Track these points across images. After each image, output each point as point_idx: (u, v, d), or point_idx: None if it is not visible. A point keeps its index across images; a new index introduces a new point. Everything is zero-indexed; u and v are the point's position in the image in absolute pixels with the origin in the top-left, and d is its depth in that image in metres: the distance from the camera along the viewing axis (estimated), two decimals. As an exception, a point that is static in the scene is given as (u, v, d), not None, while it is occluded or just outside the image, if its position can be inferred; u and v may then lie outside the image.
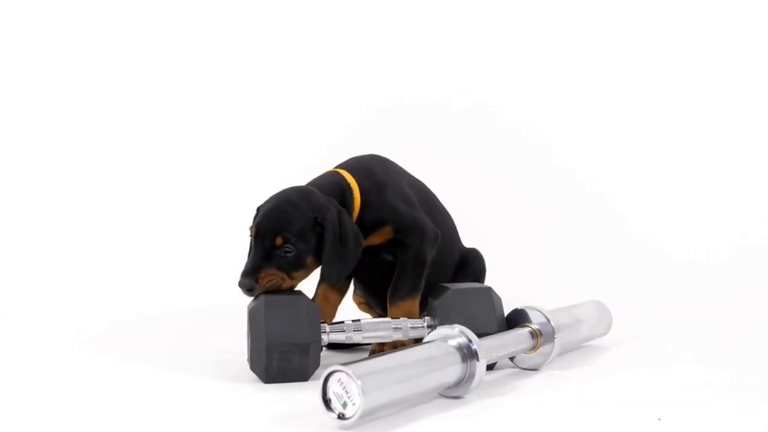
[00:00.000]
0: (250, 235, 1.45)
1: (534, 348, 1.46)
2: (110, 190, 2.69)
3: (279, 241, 1.40)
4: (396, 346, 1.48)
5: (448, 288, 1.48)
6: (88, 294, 2.33)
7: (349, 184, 1.53)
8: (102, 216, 2.64)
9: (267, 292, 1.40)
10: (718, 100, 2.75)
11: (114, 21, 2.77)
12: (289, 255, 1.40)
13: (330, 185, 1.51)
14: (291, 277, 1.42)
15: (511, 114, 2.80)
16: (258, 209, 1.48)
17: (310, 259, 1.43)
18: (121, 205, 2.67)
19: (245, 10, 2.82)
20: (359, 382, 1.08)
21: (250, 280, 1.39)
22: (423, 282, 1.54)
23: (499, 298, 1.50)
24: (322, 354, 1.41)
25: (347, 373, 1.09)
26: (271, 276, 1.40)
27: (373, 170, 1.57)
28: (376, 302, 1.67)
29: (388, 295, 1.53)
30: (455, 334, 1.28)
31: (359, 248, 1.47)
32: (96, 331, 1.89)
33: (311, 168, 1.63)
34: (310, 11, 2.83)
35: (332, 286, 1.57)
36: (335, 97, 2.81)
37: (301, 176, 1.59)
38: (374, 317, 1.69)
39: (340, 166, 1.61)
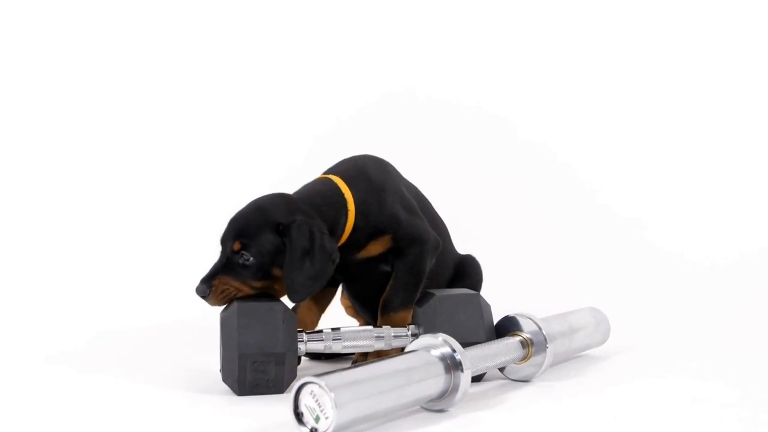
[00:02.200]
0: None
1: (525, 358, 1.39)
2: (91, 199, 2.63)
3: (236, 246, 1.33)
4: (380, 355, 1.41)
5: (433, 294, 1.41)
6: (68, 304, 2.26)
7: (342, 194, 1.41)
8: (81, 225, 2.58)
9: (239, 298, 1.34)
10: (724, 103, 2.70)
11: (98, 21, 2.73)
12: (248, 263, 1.33)
13: (321, 194, 1.40)
14: (252, 287, 1.35)
15: (506, 115, 2.75)
16: None
17: (277, 270, 1.35)
18: (102, 213, 2.61)
19: (232, 9, 2.78)
20: (332, 394, 1.02)
21: (204, 287, 1.34)
22: (418, 294, 1.45)
23: (488, 305, 1.44)
24: (301, 365, 1.35)
25: (320, 385, 1.03)
26: (225, 286, 1.34)
27: (368, 174, 1.46)
28: (370, 317, 1.58)
29: (380, 306, 1.44)
30: (438, 343, 1.22)
31: (330, 265, 1.35)
32: (76, 342, 1.83)
33: (294, 171, 1.56)
34: (294, 10, 2.79)
35: (294, 302, 1.39)
36: (320, 97, 2.76)
37: (284, 180, 1.53)
38: (361, 323, 1.63)
39: (331, 170, 1.50)
